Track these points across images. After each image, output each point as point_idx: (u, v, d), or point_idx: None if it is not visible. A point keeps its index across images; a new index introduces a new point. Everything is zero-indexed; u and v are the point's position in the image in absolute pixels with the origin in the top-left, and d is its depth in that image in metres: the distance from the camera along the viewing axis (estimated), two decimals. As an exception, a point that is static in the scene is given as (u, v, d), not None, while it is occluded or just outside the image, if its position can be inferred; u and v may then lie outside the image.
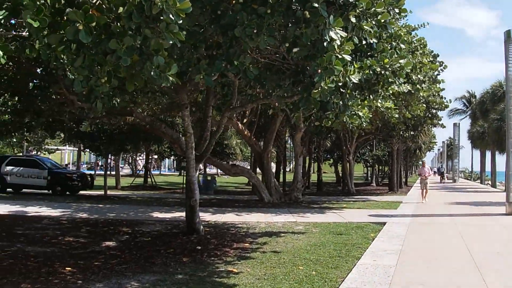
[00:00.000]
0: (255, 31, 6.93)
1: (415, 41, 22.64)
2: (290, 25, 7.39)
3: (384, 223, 15.89)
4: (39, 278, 8.37)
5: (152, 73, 5.40)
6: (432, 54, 26.02)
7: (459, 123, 61.63)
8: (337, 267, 9.45)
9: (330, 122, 9.96)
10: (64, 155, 76.47)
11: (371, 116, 11.12)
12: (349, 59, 6.94)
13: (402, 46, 10.04)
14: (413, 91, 19.67)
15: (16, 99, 15.45)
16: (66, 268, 9.18)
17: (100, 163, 68.01)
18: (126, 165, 72.83)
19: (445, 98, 29.22)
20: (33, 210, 18.62)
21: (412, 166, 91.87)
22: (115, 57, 5.15)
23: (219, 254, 10.93)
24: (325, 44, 6.78)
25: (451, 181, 62.48)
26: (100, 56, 5.35)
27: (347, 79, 7.22)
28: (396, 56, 8.73)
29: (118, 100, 10.73)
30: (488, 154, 56.98)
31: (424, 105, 23.12)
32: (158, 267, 9.47)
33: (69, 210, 19.03)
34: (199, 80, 7.44)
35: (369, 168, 62.07)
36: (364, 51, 8.90)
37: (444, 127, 37.68)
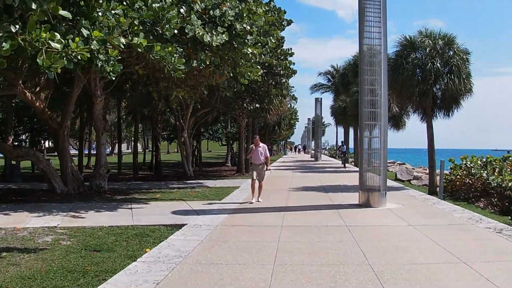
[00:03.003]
0: None
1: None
2: None
3: (183, 226, 11.33)
4: None
5: None
6: (275, 8, 21.28)
7: (321, 98, 58.31)
8: None
9: None
10: None
11: (88, 55, 5.84)
12: None
13: None
14: (236, 44, 14.82)
15: None
16: None
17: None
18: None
19: (292, 62, 24.68)
20: None
21: (273, 145, 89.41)
22: None
23: None
24: None
25: (313, 159, 59.34)
26: None
27: None
28: None
29: None
30: (352, 132, 54.12)
31: (259, 67, 18.02)
32: None
33: None
34: None
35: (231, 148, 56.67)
36: None
37: (296, 98, 33.34)
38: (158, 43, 10.25)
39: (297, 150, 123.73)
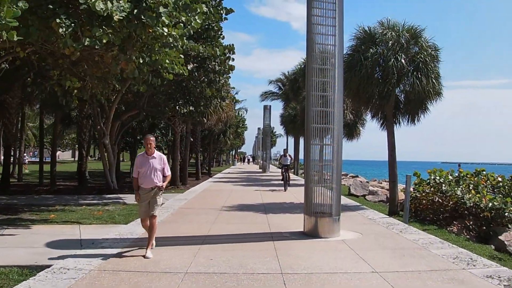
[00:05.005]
0: None
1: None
2: None
3: (45, 268, 7.72)
4: None
5: None
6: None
7: (270, 106, 54.98)
8: None
9: None
10: None
11: None
12: None
13: None
14: (145, 19, 11.22)
15: None
16: None
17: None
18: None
19: (229, 57, 20.98)
20: None
21: (221, 154, 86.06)
22: None
23: None
24: None
25: (261, 170, 55.97)
26: None
27: None
28: None
29: None
30: (302, 141, 50.83)
31: (182, 56, 14.29)
32: None
33: None
34: None
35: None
36: None
37: (238, 101, 29.89)
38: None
39: (245, 160, 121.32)
